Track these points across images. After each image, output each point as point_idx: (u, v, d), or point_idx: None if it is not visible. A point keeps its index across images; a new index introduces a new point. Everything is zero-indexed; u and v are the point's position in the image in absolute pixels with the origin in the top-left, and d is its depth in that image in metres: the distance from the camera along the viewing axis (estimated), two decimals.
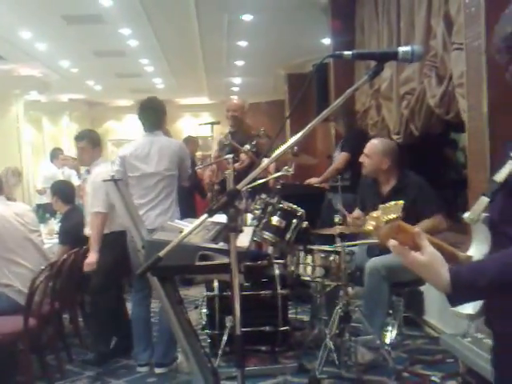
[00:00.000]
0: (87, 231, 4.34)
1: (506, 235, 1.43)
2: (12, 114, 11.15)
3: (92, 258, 4.15)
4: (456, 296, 1.33)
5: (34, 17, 7.72)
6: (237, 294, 1.63)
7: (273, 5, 7.19)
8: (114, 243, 4.15)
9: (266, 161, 1.77)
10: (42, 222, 5.62)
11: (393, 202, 1.32)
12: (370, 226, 1.31)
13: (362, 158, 4.13)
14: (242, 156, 5.22)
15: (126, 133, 15.26)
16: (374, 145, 4.14)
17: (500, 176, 1.43)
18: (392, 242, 1.32)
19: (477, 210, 1.48)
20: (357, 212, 4.28)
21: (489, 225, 1.48)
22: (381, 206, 1.32)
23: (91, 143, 4.41)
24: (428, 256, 1.31)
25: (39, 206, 8.25)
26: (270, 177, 4.61)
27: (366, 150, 4.13)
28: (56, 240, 5.04)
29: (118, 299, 4.47)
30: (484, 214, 1.47)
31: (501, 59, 1.46)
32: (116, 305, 4.41)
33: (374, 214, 1.32)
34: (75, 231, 4.63)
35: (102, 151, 4.58)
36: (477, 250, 1.50)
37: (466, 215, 1.51)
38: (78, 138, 4.47)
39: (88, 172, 4.58)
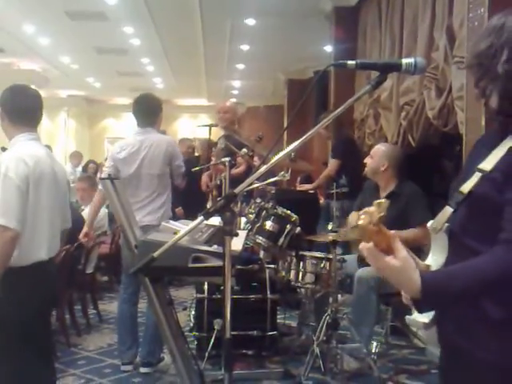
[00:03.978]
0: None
1: (466, 246, 1.44)
2: None
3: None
4: (425, 302, 1.33)
5: (38, 11, 7.73)
6: (228, 298, 1.63)
7: (277, 10, 7.21)
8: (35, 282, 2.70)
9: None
10: None
11: (383, 200, 1.29)
12: (362, 220, 1.26)
13: (366, 159, 4.18)
14: (239, 160, 5.19)
15: (123, 131, 15.24)
16: (378, 147, 4.24)
17: (466, 187, 1.44)
18: (366, 245, 1.31)
19: (440, 219, 1.50)
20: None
21: (448, 235, 1.50)
22: (375, 202, 1.28)
23: None
24: (401, 261, 1.31)
25: None
26: (266, 181, 4.60)
27: (371, 152, 4.21)
28: None
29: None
30: (447, 224, 1.49)
31: (472, 74, 1.50)
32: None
33: (368, 209, 1.26)
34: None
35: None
36: (434, 259, 1.52)
37: (429, 224, 1.53)
38: None
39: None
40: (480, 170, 1.42)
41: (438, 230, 1.49)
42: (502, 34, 1.42)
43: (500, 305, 1.37)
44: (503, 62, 1.40)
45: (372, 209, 1.26)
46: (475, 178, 1.42)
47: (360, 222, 1.26)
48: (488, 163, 1.41)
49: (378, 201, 1.28)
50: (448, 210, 1.48)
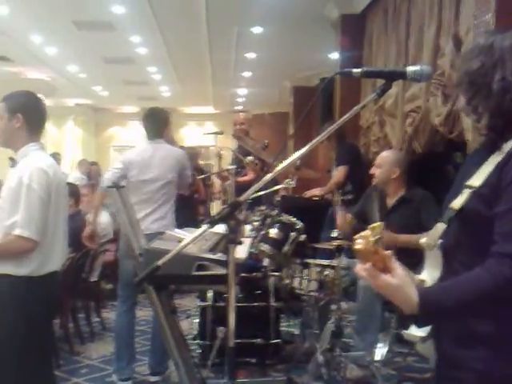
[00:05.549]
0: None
1: (458, 261, 1.47)
2: None
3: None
4: (423, 317, 1.36)
5: (46, 21, 7.77)
6: (232, 306, 1.62)
7: (283, 18, 7.22)
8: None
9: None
10: None
11: (378, 223, 1.33)
12: (358, 245, 1.31)
13: (372, 170, 4.15)
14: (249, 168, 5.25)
15: (129, 139, 15.25)
16: (384, 155, 4.19)
17: (457, 203, 1.46)
18: (363, 266, 1.35)
19: (433, 235, 1.52)
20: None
21: (442, 251, 1.51)
22: (369, 226, 1.33)
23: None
24: (399, 279, 1.35)
25: None
26: (272, 189, 4.60)
27: (377, 161, 4.17)
28: None
29: None
30: (440, 240, 1.50)
31: (462, 92, 1.53)
32: None
33: (363, 233, 1.32)
34: (73, 236, 4.59)
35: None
36: (429, 274, 1.53)
37: (423, 240, 1.54)
38: None
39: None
40: (469, 187, 1.45)
41: (432, 246, 1.51)
42: (492, 54, 1.45)
43: (488, 318, 1.39)
44: (497, 80, 1.43)
45: (367, 233, 1.31)
46: (465, 194, 1.45)
47: (357, 247, 1.31)
48: (477, 179, 1.44)
49: (373, 225, 1.33)
50: (441, 227, 1.50)
